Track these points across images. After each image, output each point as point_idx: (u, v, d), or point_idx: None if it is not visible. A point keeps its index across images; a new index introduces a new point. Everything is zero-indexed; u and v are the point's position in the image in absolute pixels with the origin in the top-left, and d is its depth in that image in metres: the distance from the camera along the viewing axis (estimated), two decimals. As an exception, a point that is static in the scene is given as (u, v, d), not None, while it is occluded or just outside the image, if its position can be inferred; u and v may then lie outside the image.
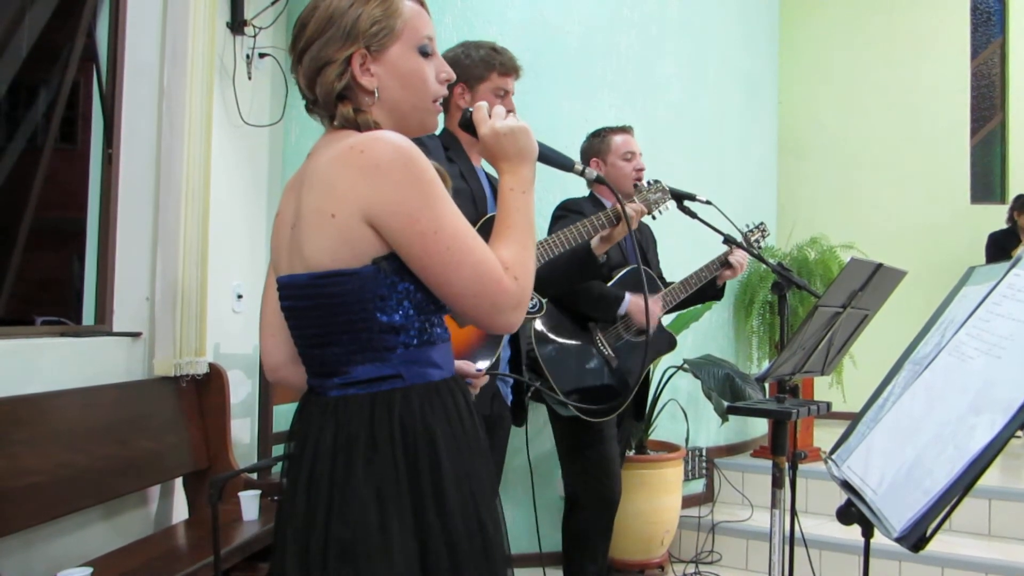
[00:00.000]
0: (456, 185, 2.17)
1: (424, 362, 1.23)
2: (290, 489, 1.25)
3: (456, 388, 1.29)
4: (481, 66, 2.28)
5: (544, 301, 2.33)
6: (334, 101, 1.25)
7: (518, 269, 1.21)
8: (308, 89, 1.27)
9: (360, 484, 1.16)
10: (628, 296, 2.76)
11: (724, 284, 2.98)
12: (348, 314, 1.19)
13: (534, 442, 2.46)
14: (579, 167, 1.49)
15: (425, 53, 1.31)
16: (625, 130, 2.96)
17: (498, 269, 1.19)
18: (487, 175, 2.39)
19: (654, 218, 2.68)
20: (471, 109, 1.38)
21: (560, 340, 2.72)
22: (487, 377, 1.54)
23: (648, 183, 2.68)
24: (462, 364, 1.44)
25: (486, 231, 2.19)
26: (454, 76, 1.39)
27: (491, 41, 2.35)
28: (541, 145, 1.38)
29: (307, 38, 1.25)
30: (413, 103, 1.30)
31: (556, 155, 1.48)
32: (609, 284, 2.82)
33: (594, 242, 2.50)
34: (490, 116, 1.34)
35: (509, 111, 2.39)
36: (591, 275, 2.56)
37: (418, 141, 2.22)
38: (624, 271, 2.87)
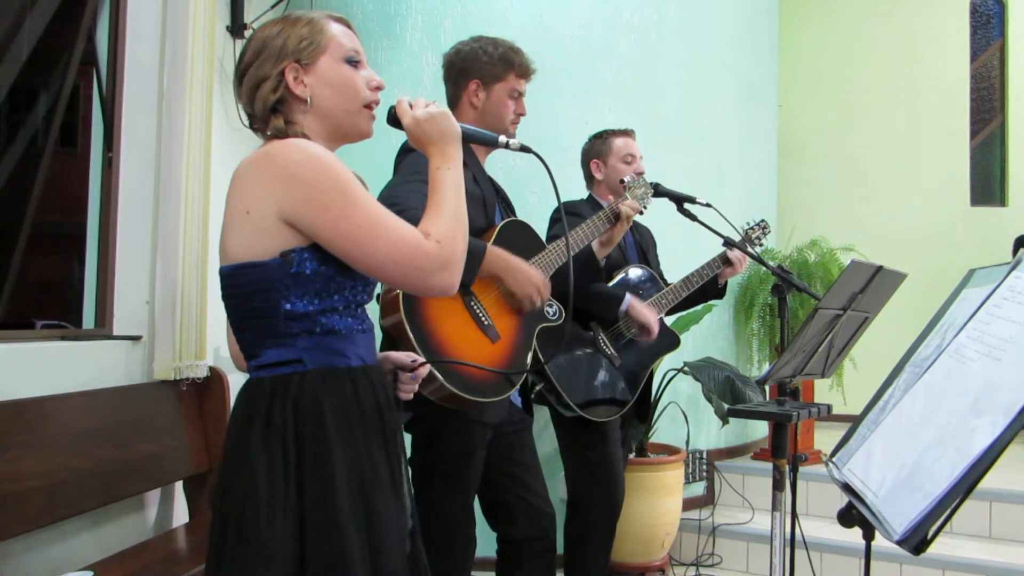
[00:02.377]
0: (469, 189, 2.17)
1: (329, 350, 1.35)
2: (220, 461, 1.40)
3: (363, 377, 1.39)
4: (500, 65, 2.27)
5: (563, 309, 2.33)
6: (268, 113, 1.40)
7: (439, 233, 1.34)
8: (248, 105, 1.43)
9: (254, 456, 1.29)
10: (628, 296, 2.76)
11: (726, 283, 2.98)
12: (256, 302, 1.32)
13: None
14: (503, 140, 1.61)
15: (353, 63, 1.44)
16: (627, 133, 2.96)
17: (415, 236, 1.32)
18: (493, 181, 2.39)
19: (641, 213, 2.68)
20: (393, 106, 1.50)
21: (563, 342, 2.72)
22: (425, 369, 1.61)
23: (632, 177, 2.68)
24: (397, 355, 1.57)
25: (502, 240, 2.20)
26: (384, 84, 1.50)
27: (506, 40, 2.34)
28: (463, 126, 1.50)
29: (245, 63, 1.42)
30: (345, 108, 1.43)
31: (480, 134, 1.62)
32: (610, 284, 2.82)
33: (595, 246, 2.51)
34: (411, 108, 1.48)
35: (519, 114, 2.40)
36: (593, 277, 2.56)
37: None
38: (624, 272, 2.87)
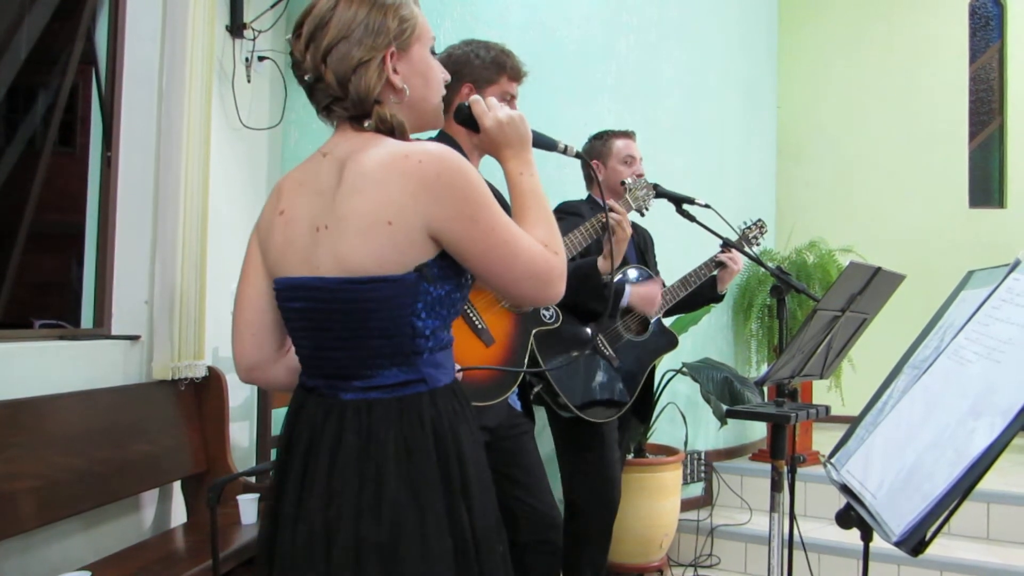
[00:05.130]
0: None
1: (440, 366, 1.27)
2: (293, 490, 1.24)
3: (460, 391, 1.33)
4: (492, 68, 2.27)
5: (559, 312, 2.33)
6: (372, 102, 1.25)
7: (555, 244, 1.29)
8: (340, 88, 1.25)
9: (393, 486, 1.18)
10: (629, 287, 2.75)
11: (726, 288, 2.98)
12: (383, 319, 1.20)
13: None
14: (561, 145, 1.58)
15: (434, 53, 1.34)
16: (627, 135, 2.96)
17: (542, 250, 1.26)
18: (490, 186, 2.38)
19: (643, 214, 2.68)
20: (467, 104, 1.42)
21: (562, 342, 2.71)
22: (461, 375, 1.57)
23: (633, 179, 2.67)
24: None
25: None
26: (450, 77, 1.42)
27: (497, 43, 2.34)
28: (532, 130, 1.45)
29: (331, 37, 1.23)
30: (434, 100, 1.34)
31: (544, 138, 1.56)
32: None
33: (600, 262, 2.49)
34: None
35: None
36: (592, 292, 2.55)
37: (448, 140, 2.21)
38: (622, 272, 2.87)
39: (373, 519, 1.17)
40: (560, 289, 1.28)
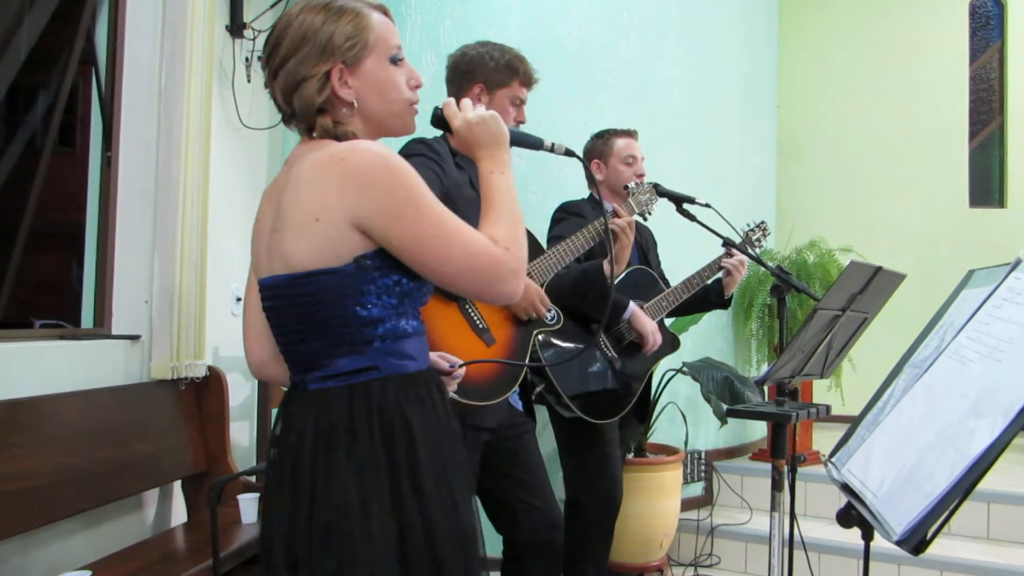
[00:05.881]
0: (466, 194, 2.17)
1: (400, 354, 1.31)
2: (276, 479, 1.32)
3: (431, 380, 1.37)
4: (505, 72, 2.28)
5: (561, 313, 2.33)
6: (313, 114, 1.32)
7: (508, 240, 1.30)
8: (285, 103, 1.35)
9: (341, 469, 1.24)
10: (632, 304, 2.76)
11: (732, 294, 2.98)
12: (327, 310, 1.26)
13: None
14: (548, 143, 1.56)
15: (395, 61, 1.37)
16: (629, 134, 2.96)
17: (487, 244, 1.28)
18: None
19: (645, 219, 2.68)
20: (439, 107, 1.45)
21: (563, 342, 2.72)
22: (463, 371, 1.58)
23: (636, 183, 2.67)
24: (435, 357, 1.53)
25: None
26: (423, 82, 1.45)
27: (512, 47, 2.34)
28: (511, 129, 1.45)
29: (282, 55, 1.32)
30: (391, 110, 1.37)
31: (526, 137, 1.56)
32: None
33: (605, 266, 2.49)
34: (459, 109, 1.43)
35: (519, 121, 2.41)
36: (598, 296, 2.55)
37: (429, 147, 2.22)
38: (626, 272, 2.87)
39: (324, 502, 1.23)
40: (512, 287, 1.30)
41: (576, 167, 3.07)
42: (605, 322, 2.76)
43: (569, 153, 1.55)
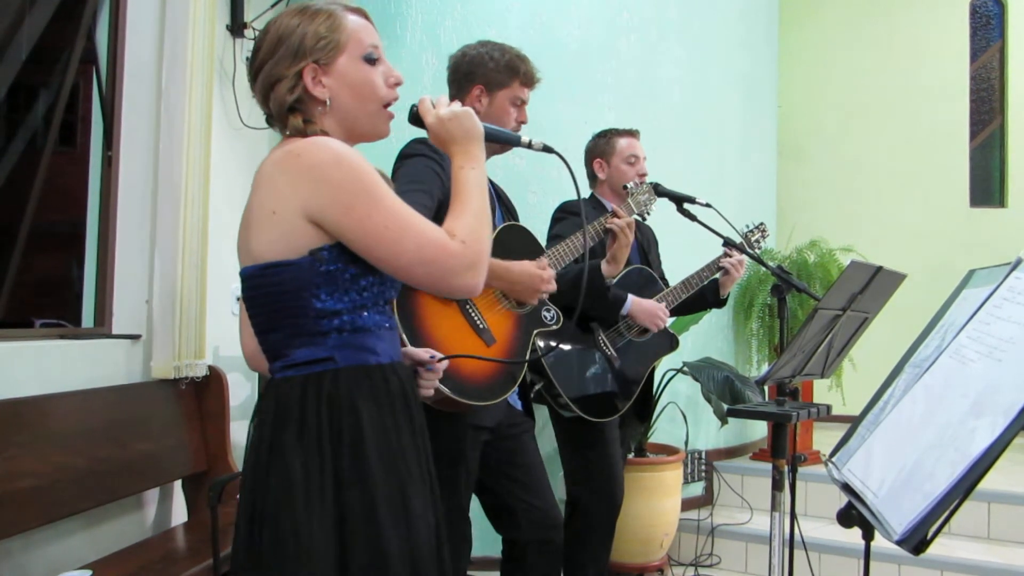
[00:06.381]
0: None
1: (359, 347, 1.34)
2: (246, 463, 1.38)
3: (393, 373, 1.38)
4: (505, 72, 2.26)
5: (560, 314, 2.33)
6: (285, 113, 1.38)
7: (465, 234, 1.32)
8: (263, 104, 1.41)
9: (289, 455, 1.28)
10: (631, 297, 2.76)
11: (728, 293, 2.97)
12: (286, 301, 1.31)
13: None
14: (526, 140, 1.58)
15: (371, 61, 1.41)
16: (631, 133, 2.96)
17: (441, 237, 1.31)
18: (492, 184, 2.39)
19: (644, 219, 2.68)
20: (415, 105, 1.48)
21: (563, 342, 2.72)
22: (445, 363, 1.60)
23: (636, 183, 2.67)
24: (415, 351, 1.56)
25: (499, 244, 2.20)
26: (403, 80, 1.46)
27: (513, 47, 2.33)
28: (487, 126, 1.48)
29: (260, 59, 1.39)
30: (363, 109, 1.41)
31: (503, 133, 1.59)
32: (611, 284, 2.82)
33: (604, 266, 2.49)
34: (433, 107, 1.46)
35: (521, 122, 2.40)
36: (597, 295, 2.55)
37: (430, 147, 2.21)
38: (625, 271, 2.87)
39: (272, 484, 1.28)
40: (466, 280, 1.32)
41: (576, 167, 3.06)
42: (604, 314, 2.76)
43: (547, 149, 1.56)
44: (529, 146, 1.56)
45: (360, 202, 1.26)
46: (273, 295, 1.32)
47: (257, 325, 1.37)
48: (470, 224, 1.34)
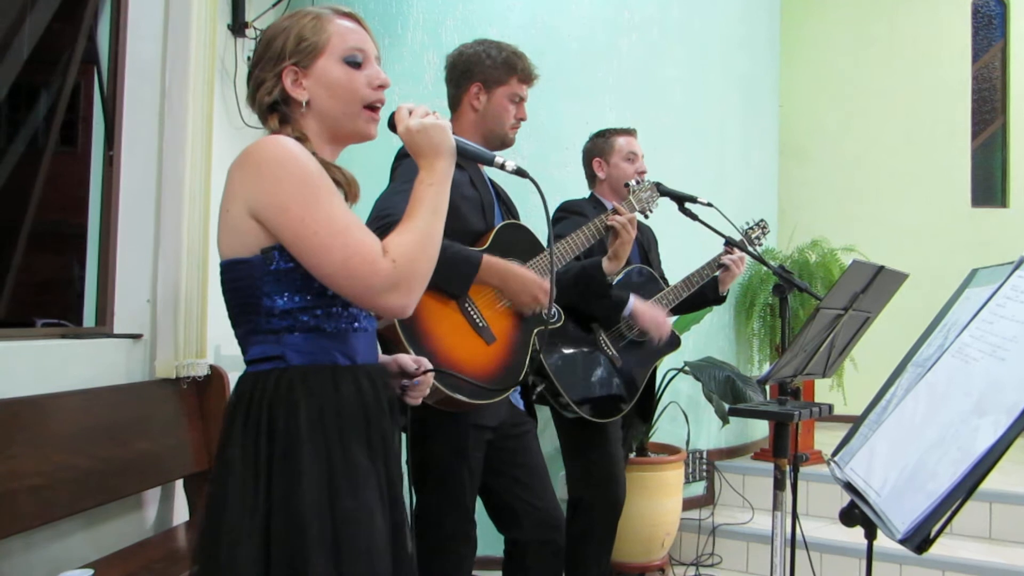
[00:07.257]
0: (466, 193, 2.17)
1: (314, 348, 1.34)
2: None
3: (348, 376, 1.36)
4: (503, 69, 2.26)
5: (562, 312, 2.32)
6: (265, 113, 1.41)
7: (398, 253, 1.29)
8: (251, 106, 1.45)
9: (232, 451, 1.30)
10: (633, 298, 2.75)
11: (727, 289, 2.97)
12: (242, 298, 1.34)
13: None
14: (499, 160, 1.51)
15: (354, 63, 1.41)
16: (629, 132, 2.96)
17: (371, 252, 1.27)
18: (492, 183, 2.38)
19: (647, 217, 2.68)
20: (395, 111, 1.46)
21: (564, 341, 2.71)
22: (428, 378, 1.57)
23: (637, 181, 2.67)
24: (405, 359, 1.55)
25: (499, 243, 2.20)
26: (389, 82, 1.45)
27: (510, 44, 2.33)
28: (459, 141, 1.44)
29: (252, 63, 1.44)
30: (342, 110, 1.41)
31: (475, 150, 1.51)
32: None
33: (605, 263, 2.48)
34: (411, 115, 1.43)
35: (520, 119, 2.38)
36: (599, 292, 2.54)
37: None
38: (625, 270, 2.86)
39: (213, 484, 1.32)
40: (390, 301, 1.29)
41: (577, 166, 3.07)
42: (606, 313, 2.76)
43: (520, 172, 1.48)
44: (502, 167, 1.49)
45: (296, 204, 1.25)
46: (232, 292, 1.35)
47: (230, 320, 1.41)
48: (407, 244, 1.30)
